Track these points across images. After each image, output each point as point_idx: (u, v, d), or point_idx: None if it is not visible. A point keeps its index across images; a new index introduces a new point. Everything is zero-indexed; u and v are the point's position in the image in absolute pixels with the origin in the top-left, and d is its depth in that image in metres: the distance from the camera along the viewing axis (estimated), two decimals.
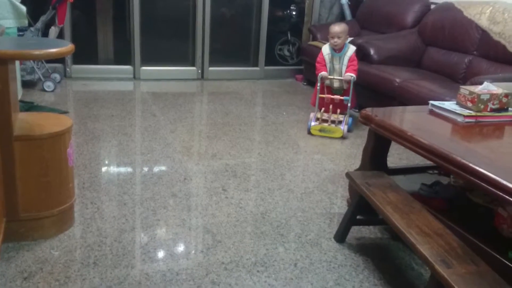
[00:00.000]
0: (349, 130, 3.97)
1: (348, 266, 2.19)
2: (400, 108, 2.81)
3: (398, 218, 1.94)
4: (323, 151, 3.59)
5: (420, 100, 3.52)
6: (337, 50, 3.98)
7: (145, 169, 3.12)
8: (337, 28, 3.92)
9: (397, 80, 4.08)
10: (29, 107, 3.96)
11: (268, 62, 5.93)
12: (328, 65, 4.02)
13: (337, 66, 4.02)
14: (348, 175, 2.36)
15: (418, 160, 3.22)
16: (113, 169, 3.12)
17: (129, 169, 3.11)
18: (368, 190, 2.16)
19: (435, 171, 2.66)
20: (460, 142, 2.22)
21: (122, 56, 5.51)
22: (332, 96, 3.97)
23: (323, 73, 3.97)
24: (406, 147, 2.14)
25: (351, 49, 4.00)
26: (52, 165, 2.16)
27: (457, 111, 2.37)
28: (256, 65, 5.92)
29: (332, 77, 3.98)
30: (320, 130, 3.88)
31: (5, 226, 2.10)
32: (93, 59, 5.48)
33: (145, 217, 2.49)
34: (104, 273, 2.01)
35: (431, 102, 2.54)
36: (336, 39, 3.92)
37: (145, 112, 4.30)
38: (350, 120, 4.00)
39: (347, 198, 2.73)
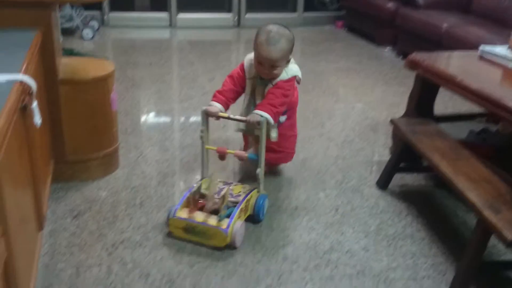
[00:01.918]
0: (256, 220, 2.02)
1: (391, 212, 2.17)
2: (449, 53, 2.69)
3: (445, 165, 1.90)
4: (364, 100, 3.51)
5: (469, 46, 3.35)
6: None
7: (185, 116, 3.14)
8: (273, 52, 1.94)
9: (444, 25, 3.89)
10: (69, 53, 4.00)
11: (307, 7, 5.74)
12: (247, 93, 2.12)
13: (259, 98, 2.10)
14: (392, 122, 2.30)
15: (465, 108, 3.11)
16: (154, 116, 3.15)
17: (169, 116, 3.13)
18: (414, 137, 2.11)
19: (483, 119, 2.57)
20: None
21: (159, 2, 5.44)
22: (224, 151, 2.05)
23: (209, 108, 2.00)
24: (456, 92, 2.06)
25: (290, 73, 2.08)
26: (97, 109, 2.19)
27: (508, 57, 2.25)
28: (294, 11, 5.75)
29: (225, 115, 2.01)
30: (186, 231, 1.87)
31: (54, 167, 2.17)
32: (130, 6, 5.45)
33: (187, 162, 2.52)
34: (149, 213, 2.07)
35: (482, 46, 2.41)
36: (267, 71, 2.01)
37: (182, 60, 4.29)
38: (260, 202, 2.01)
39: (389, 146, 2.68)
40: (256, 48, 1.98)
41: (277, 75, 2.03)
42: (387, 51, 4.76)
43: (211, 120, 2.05)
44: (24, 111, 1.40)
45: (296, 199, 2.23)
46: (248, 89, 2.12)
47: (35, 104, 1.44)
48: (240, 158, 2.08)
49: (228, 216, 1.86)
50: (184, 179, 2.37)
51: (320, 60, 4.41)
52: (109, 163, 2.34)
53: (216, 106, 2.02)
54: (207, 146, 2.06)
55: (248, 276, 1.75)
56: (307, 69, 4.15)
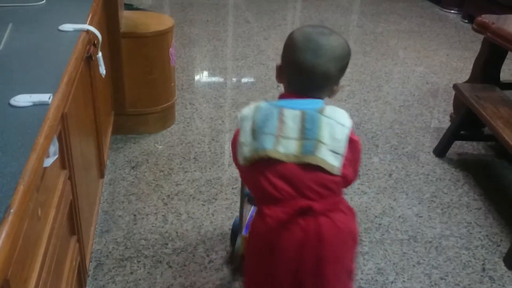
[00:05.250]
0: None
1: (447, 180, 2.11)
2: None
3: (509, 134, 1.81)
4: (426, 63, 3.38)
5: None
6: None
7: (239, 74, 3.14)
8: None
9: None
10: (128, 9, 4.05)
11: None
12: None
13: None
14: (456, 87, 2.21)
15: None
16: (209, 73, 3.17)
17: (224, 74, 3.14)
18: (478, 104, 2.02)
19: None
20: None
21: None
22: None
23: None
24: None
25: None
26: (156, 63, 2.22)
27: None
28: None
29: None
30: None
31: (114, 119, 2.24)
32: None
33: None
34: (203, 168, 2.11)
35: None
36: None
37: (238, 18, 4.25)
38: None
39: (450, 113, 2.59)
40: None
41: None
42: (453, 14, 4.52)
43: None
44: (89, 61, 1.44)
45: None
46: None
47: (99, 54, 1.48)
48: None
49: None
50: None
51: (380, 21, 4.25)
52: (166, 118, 2.39)
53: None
54: None
55: None
56: (366, 29, 4.02)
